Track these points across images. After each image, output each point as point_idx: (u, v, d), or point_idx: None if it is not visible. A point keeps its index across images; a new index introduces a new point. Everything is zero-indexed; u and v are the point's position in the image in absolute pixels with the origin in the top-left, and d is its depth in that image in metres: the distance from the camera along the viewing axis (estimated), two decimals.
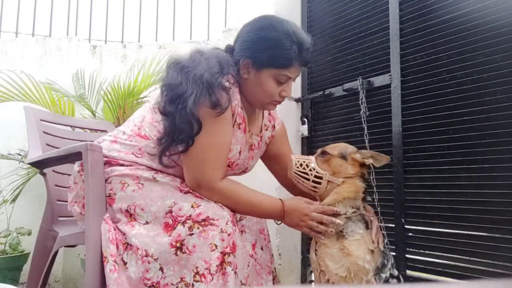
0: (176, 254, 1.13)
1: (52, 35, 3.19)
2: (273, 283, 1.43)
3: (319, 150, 1.40)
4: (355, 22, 1.97)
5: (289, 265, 2.21)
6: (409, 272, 1.62)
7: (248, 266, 1.33)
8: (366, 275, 1.20)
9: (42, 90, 2.47)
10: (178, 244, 1.13)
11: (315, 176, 1.32)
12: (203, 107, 1.20)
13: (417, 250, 1.60)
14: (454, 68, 1.53)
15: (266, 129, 1.52)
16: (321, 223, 1.26)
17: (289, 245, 2.21)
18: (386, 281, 1.25)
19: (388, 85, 1.76)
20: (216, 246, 1.13)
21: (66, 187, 1.70)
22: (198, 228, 1.14)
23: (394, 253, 1.65)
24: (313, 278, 1.84)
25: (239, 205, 1.28)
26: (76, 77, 2.79)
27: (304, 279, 2.16)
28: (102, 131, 2.03)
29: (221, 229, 1.15)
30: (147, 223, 1.21)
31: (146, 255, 1.15)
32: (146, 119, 1.35)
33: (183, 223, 1.16)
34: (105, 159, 1.32)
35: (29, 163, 1.63)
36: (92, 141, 1.36)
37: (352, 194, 1.29)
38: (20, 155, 2.53)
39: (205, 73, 1.21)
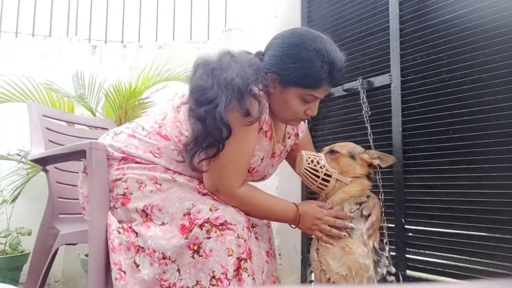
0: (193, 257, 1.12)
1: (52, 35, 3.19)
2: None
3: (327, 148, 1.40)
4: (355, 22, 1.97)
5: (289, 265, 2.21)
6: (409, 272, 1.62)
7: (263, 272, 1.32)
8: (367, 272, 1.20)
9: (41, 91, 2.47)
10: (195, 247, 1.12)
11: (325, 174, 1.32)
12: (233, 112, 1.16)
13: (417, 250, 1.60)
14: (454, 68, 1.53)
15: (289, 137, 1.50)
16: (334, 227, 1.26)
17: (289, 245, 2.21)
18: (384, 278, 1.25)
19: (388, 85, 1.76)
20: (232, 251, 1.13)
21: (68, 184, 1.70)
22: (216, 232, 1.13)
23: (394, 253, 1.65)
24: (313, 278, 1.84)
25: (256, 211, 1.28)
26: (76, 77, 2.79)
27: (304, 279, 2.16)
28: (103, 128, 2.02)
29: (238, 234, 1.15)
30: (163, 224, 1.19)
31: (164, 258, 1.14)
32: (168, 117, 1.31)
33: (201, 226, 1.14)
34: (122, 155, 1.29)
35: (32, 160, 1.61)
36: (96, 139, 1.35)
37: (359, 193, 1.30)
38: (19, 155, 2.53)
39: (236, 78, 1.17)
